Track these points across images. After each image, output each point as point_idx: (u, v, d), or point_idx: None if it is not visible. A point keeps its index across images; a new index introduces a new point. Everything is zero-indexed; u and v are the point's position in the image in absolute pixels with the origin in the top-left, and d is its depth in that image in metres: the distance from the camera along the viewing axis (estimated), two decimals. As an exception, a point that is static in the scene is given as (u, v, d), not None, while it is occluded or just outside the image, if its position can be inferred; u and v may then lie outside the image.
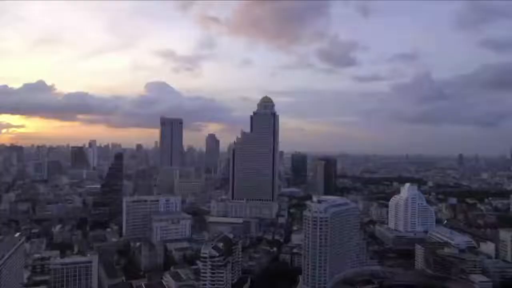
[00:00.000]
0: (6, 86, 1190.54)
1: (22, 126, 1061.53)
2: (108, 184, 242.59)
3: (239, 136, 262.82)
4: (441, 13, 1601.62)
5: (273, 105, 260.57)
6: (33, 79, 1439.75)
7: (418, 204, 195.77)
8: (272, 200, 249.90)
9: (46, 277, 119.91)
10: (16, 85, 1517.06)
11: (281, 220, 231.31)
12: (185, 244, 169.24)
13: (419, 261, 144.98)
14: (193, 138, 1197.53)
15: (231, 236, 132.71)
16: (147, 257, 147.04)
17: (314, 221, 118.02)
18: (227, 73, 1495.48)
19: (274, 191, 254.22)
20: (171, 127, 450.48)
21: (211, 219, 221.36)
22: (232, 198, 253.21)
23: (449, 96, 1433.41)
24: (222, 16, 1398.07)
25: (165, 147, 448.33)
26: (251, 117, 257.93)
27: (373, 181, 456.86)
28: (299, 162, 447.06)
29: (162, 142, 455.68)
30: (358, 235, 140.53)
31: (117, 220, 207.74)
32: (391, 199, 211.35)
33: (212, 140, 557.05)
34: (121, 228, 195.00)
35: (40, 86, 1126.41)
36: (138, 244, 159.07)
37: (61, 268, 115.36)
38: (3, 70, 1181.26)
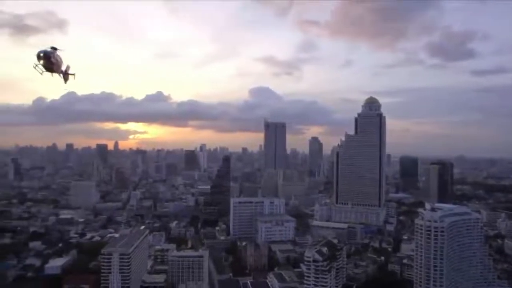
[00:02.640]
0: (132, 97, 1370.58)
1: (145, 132, 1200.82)
2: (217, 185, 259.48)
3: (343, 139, 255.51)
4: None
5: (379, 106, 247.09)
6: (153, 91, 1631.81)
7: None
8: (379, 205, 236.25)
9: (165, 267, 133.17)
10: (139, 96, 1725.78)
11: (389, 227, 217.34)
12: (288, 246, 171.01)
13: None
14: (295, 141, 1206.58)
15: (335, 241, 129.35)
16: (253, 256, 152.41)
17: (428, 230, 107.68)
18: (328, 75, 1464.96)
19: (381, 196, 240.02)
20: (275, 131, 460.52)
21: (314, 222, 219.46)
22: (336, 202, 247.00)
23: None
24: (321, 19, 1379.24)
25: (269, 150, 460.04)
26: (356, 119, 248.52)
27: (501, 189, 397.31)
28: (408, 165, 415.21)
29: (266, 145, 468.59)
30: (482, 249, 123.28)
31: (225, 219, 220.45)
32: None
33: (315, 143, 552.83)
34: (228, 227, 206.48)
35: (158, 97, 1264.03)
36: (244, 243, 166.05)
37: (178, 260, 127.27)
38: (130, 84, 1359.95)
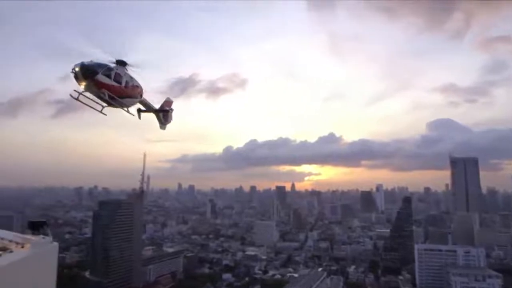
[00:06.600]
0: (305, 141, 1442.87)
1: (318, 174, 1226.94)
2: (397, 228, 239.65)
3: None
4: None
5: None
6: (325, 132, 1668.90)
7: None
8: None
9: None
10: (312, 139, 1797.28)
11: None
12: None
13: None
14: (492, 179, 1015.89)
15: None
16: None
17: None
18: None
19: None
20: (464, 167, 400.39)
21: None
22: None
23: None
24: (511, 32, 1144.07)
25: (458, 189, 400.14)
26: None
27: None
28: None
29: (454, 184, 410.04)
30: None
31: (408, 268, 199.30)
32: None
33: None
34: (414, 277, 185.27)
35: (330, 138, 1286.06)
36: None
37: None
38: (303, 128, 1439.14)
